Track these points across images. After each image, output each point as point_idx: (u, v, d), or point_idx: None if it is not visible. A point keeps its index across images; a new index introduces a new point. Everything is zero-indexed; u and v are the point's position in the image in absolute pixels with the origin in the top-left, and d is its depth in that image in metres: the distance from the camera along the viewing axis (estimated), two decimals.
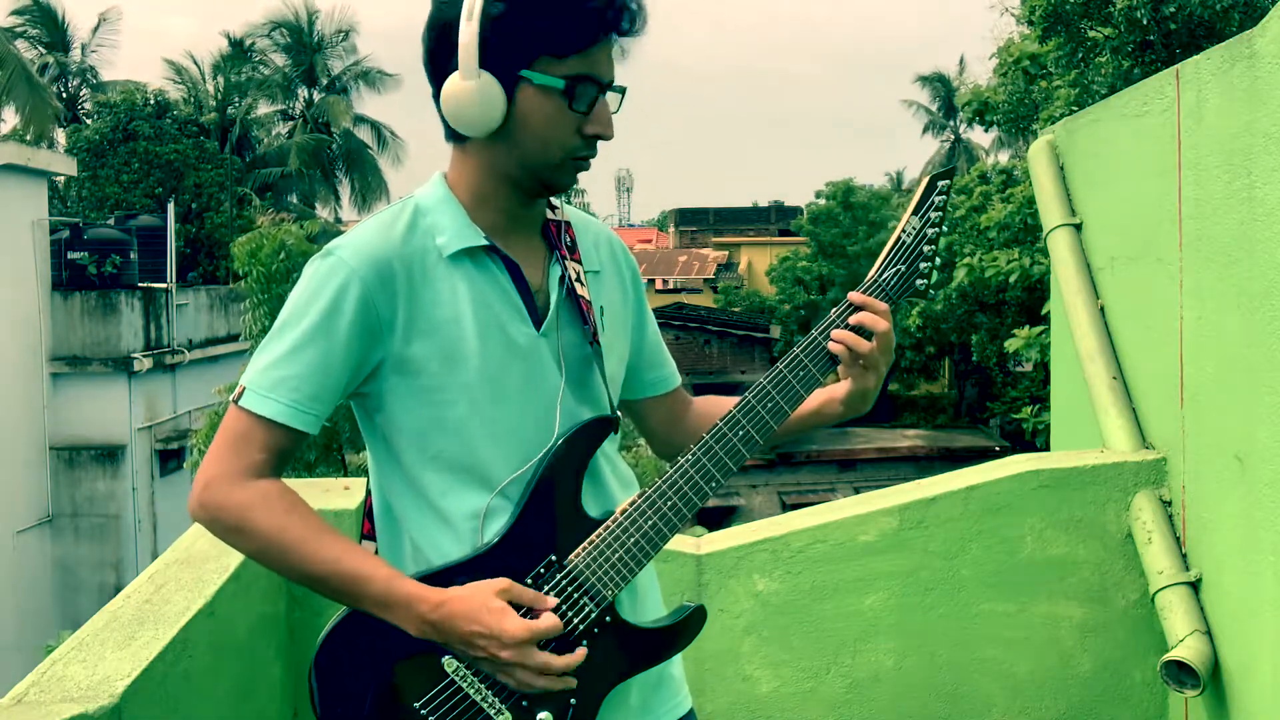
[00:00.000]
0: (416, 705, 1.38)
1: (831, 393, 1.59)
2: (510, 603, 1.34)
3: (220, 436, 1.37)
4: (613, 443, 1.53)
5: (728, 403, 1.62)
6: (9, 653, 12.68)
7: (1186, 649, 2.26)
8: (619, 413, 1.54)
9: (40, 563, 14.23)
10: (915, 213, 1.58)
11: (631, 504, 1.43)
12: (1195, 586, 2.39)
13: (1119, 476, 2.57)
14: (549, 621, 1.34)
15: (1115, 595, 2.57)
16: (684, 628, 1.49)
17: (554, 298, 1.48)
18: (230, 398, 1.41)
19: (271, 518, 1.33)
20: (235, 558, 2.15)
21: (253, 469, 1.35)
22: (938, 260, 1.59)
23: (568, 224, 1.56)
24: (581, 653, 1.37)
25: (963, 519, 2.58)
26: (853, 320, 1.50)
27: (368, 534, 1.53)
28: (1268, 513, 2.07)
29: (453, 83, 1.38)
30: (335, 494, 2.55)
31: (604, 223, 1.70)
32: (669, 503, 1.44)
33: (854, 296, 1.53)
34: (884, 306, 1.52)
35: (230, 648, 2.09)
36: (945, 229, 1.57)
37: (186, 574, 2.09)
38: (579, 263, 1.53)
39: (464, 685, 1.38)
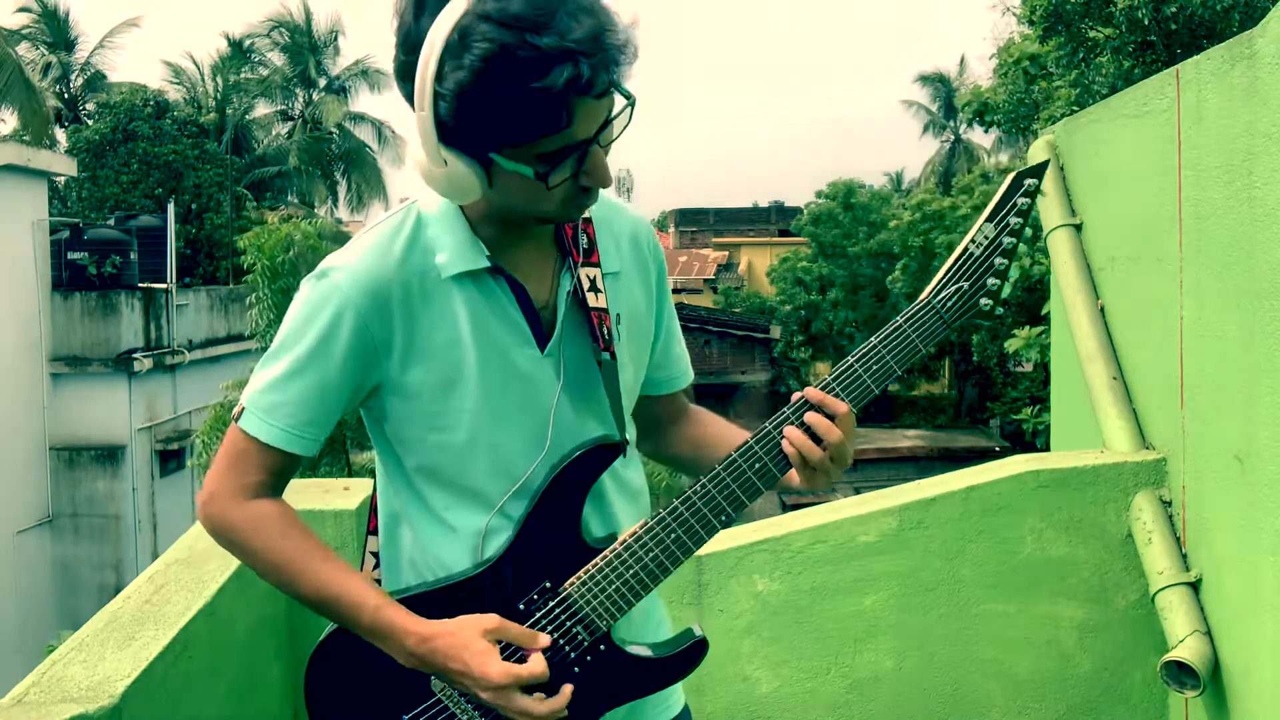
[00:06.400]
0: (406, 718, 1.39)
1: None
2: (500, 641, 1.33)
3: (223, 451, 1.39)
4: (622, 460, 1.46)
5: (720, 425, 1.60)
6: (9, 653, 12.69)
7: (1186, 649, 2.26)
8: (627, 436, 1.46)
9: (40, 563, 14.23)
10: (991, 218, 1.36)
11: (633, 534, 1.38)
12: (1195, 587, 2.39)
13: (1119, 477, 2.57)
14: (534, 667, 1.32)
15: (1115, 595, 2.57)
16: (682, 660, 1.45)
17: (561, 314, 1.41)
18: (232, 414, 1.41)
19: (266, 540, 1.36)
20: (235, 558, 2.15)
21: (251, 489, 1.37)
22: (1013, 273, 1.38)
23: (587, 220, 1.46)
24: (568, 691, 1.35)
25: (962, 519, 2.58)
26: (807, 419, 1.36)
27: (373, 530, 1.52)
28: (1268, 513, 2.07)
29: (421, 161, 1.29)
30: (335, 494, 2.55)
31: (633, 210, 1.58)
32: (672, 535, 1.37)
33: (809, 393, 1.37)
34: (844, 408, 1.36)
35: (230, 648, 2.09)
36: (1029, 233, 1.40)
37: (186, 574, 2.09)
38: (597, 264, 1.45)
39: (451, 706, 1.39)
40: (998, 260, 1.36)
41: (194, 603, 1.96)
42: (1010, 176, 1.36)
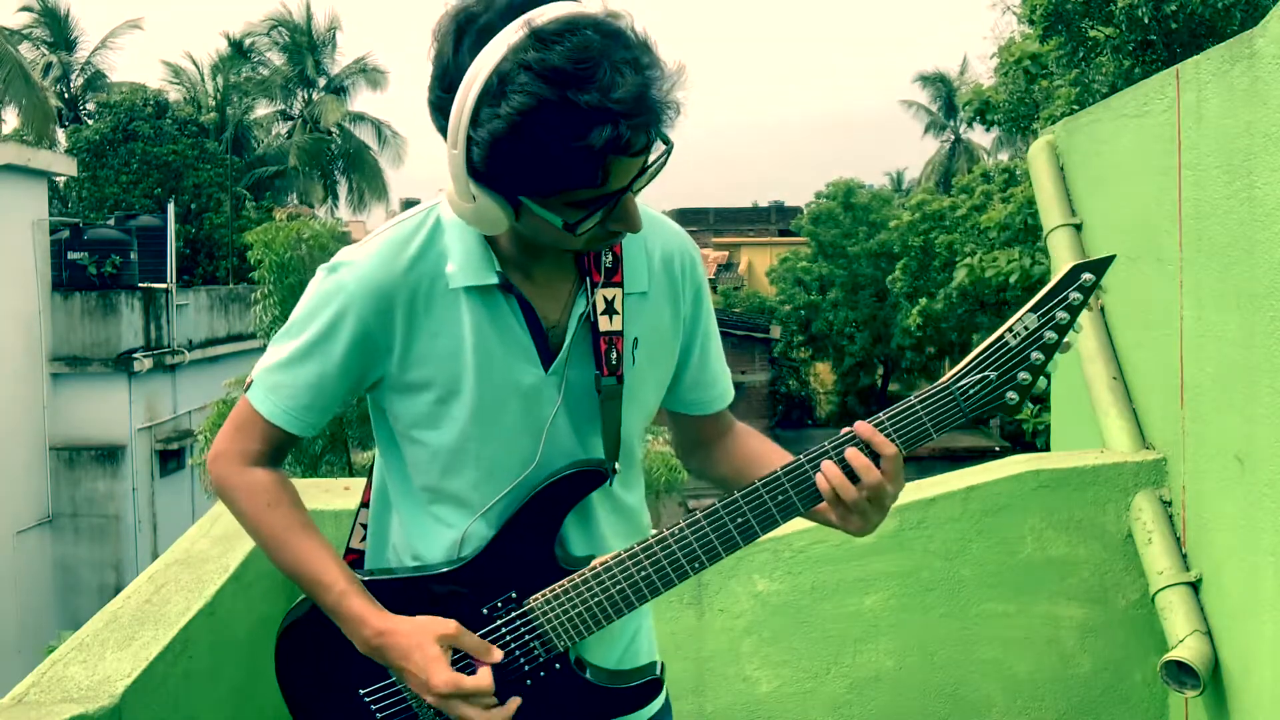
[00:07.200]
0: (363, 693, 1.45)
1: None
2: (454, 648, 1.36)
3: (232, 415, 1.46)
4: (617, 482, 1.45)
5: (759, 450, 1.55)
6: (9, 653, 12.69)
7: (1186, 649, 2.26)
8: (617, 465, 1.44)
9: (40, 563, 14.23)
10: (1036, 308, 1.25)
11: (603, 563, 1.38)
12: (1195, 587, 2.39)
13: (1119, 477, 2.57)
14: (479, 681, 1.33)
15: (1115, 595, 2.57)
16: (633, 695, 1.46)
17: (570, 335, 1.38)
18: (244, 383, 1.47)
19: (254, 509, 1.42)
20: (235, 558, 2.15)
21: (251, 456, 1.43)
22: (1052, 366, 1.26)
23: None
24: (514, 704, 1.36)
25: (962, 519, 2.58)
26: (848, 455, 1.30)
27: (366, 503, 1.56)
28: (1268, 513, 2.07)
29: (449, 192, 1.27)
30: (335, 494, 2.55)
31: (676, 229, 1.51)
32: (643, 572, 1.37)
33: (860, 428, 1.29)
34: (892, 450, 1.29)
35: (230, 648, 2.09)
36: (1076, 330, 1.25)
37: (186, 574, 2.09)
38: (619, 285, 1.41)
39: (404, 691, 1.44)
40: (1034, 355, 1.27)
41: (194, 603, 1.96)
42: (1067, 267, 1.24)
